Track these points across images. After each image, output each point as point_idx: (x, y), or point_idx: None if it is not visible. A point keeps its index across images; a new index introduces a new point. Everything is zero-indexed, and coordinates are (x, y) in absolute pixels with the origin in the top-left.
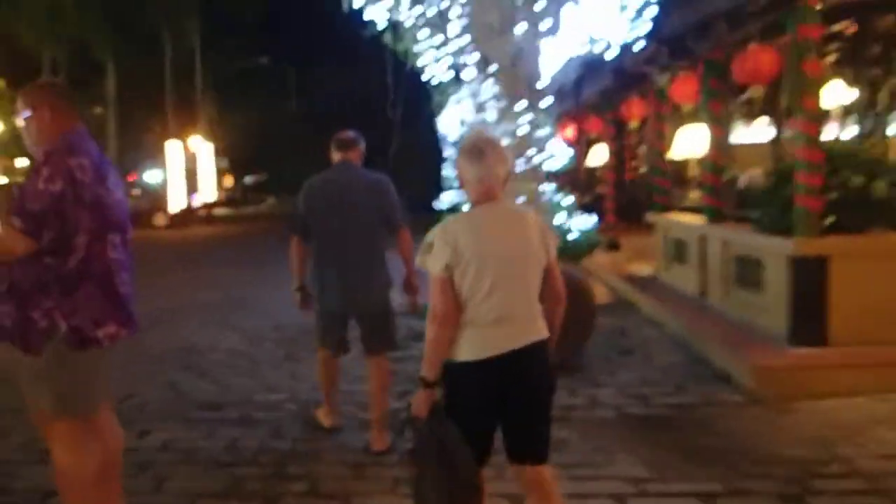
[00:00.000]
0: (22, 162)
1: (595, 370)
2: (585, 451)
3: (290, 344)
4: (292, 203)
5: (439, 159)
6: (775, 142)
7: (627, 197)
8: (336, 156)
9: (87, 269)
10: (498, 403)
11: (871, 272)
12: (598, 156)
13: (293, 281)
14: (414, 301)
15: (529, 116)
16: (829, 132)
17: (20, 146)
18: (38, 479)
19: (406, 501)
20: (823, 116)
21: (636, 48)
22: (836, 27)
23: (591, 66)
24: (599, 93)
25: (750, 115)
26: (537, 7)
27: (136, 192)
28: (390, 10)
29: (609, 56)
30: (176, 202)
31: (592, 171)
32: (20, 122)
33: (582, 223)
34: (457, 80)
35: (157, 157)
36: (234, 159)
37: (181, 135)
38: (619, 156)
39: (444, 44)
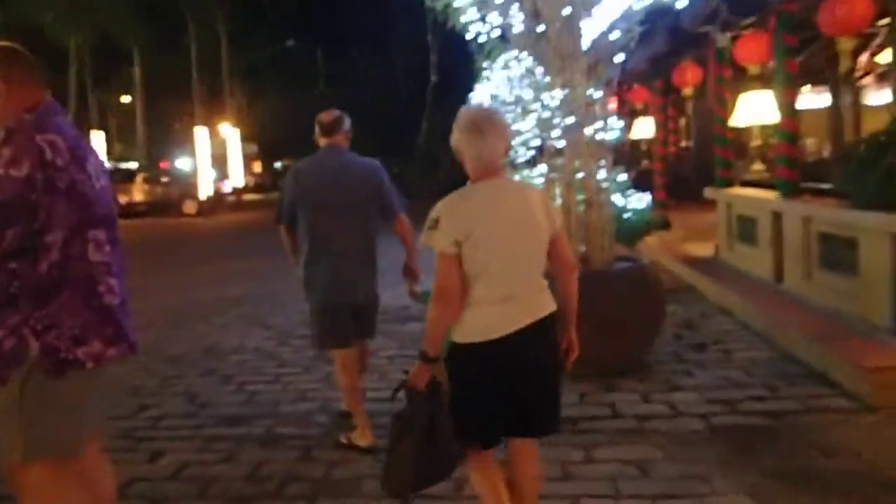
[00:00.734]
0: None
1: (667, 370)
2: (673, 477)
3: None
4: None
5: None
6: (834, 109)
7: (671, 172)
8: (322, 140)
9: (64, 273)
10: (507, 381)
11: None
12: (643, 129)
13: (296, 270)
14: (413, 288)
15: (582, 82)
16: None
17: None
18: None
19: None
20: None
21: (694, 5)
22: None
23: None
24: (647, 59)
25: (803, 80)
26: None
27: (164, 179)
28: None
29: (671, 9)
30: (205, 189)
31: (636, 144)
32: None
33: (635, 202)
34: (502, 40)
35: (187, 145)
36: (263, 145)
37: (210, 121)
38: (667, 128)
39: None
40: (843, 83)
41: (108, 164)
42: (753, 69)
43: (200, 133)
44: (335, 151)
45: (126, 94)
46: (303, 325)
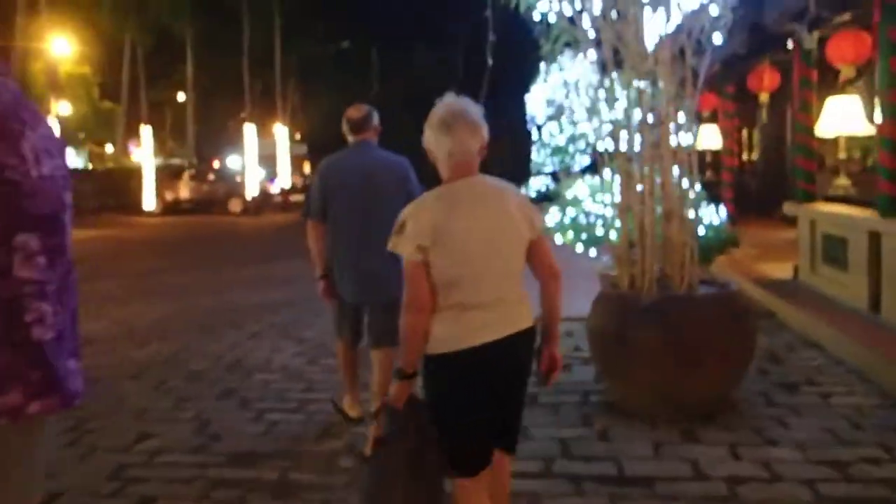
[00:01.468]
0: (110, 148)
1: (757, 415)
2: None
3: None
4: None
5: (527, 142)
6: None
7: (736, 184)
8: (351, 137)
9: None
10: (483, 393)
11: None
12: (708, 137)
13: (316, 269)
14: None
15: (666, 74)
16: None
17: (110, 130)
18: None
19: None
20: None
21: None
22: None
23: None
24: (720, 61)
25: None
26: None
27: (211, 177)
28: None
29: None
30: (252, 188)
31: (702, 154)
32: None
33: (710, 216)
34: (571, 23)
35: (237, 143)
36: (313, 145)
37: (261, 121)
38: (735, 137)
39: None
40: None
41: (157, 160)
42: (847, 71)
43: (249, 132)
44: (364, 147)
45: (181, 91)
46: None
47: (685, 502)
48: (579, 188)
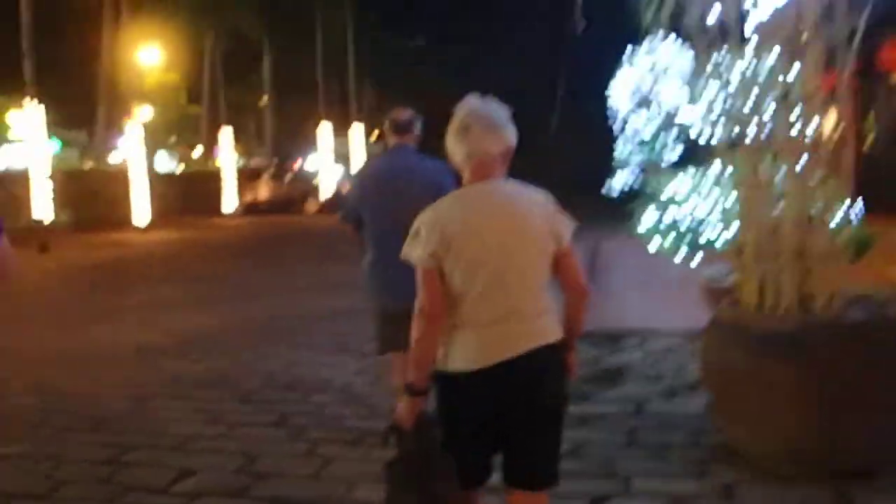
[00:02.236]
0: (198, 151)
1: None
2: None
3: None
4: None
5: (610, 136)
6: None
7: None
8: (392, 139)
9: None
10: (497, 418)
11: None
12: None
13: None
14: None
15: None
16: None
17: (197, 133)
18: None
19: None
20: None
21: None
22: None
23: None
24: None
25: None
26: None
27: (288, 177)
28: None
29: None
30: (327, 188)
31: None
32: None
33: (839, 213)
34: None
35: (315, 144)
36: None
37: (338, 121)
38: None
39: None
40: None
41: (240, 162)
42: None
43: (325, 132)
44: (404, 151)
45: (260, 94)
46: None
47: None
48: (678, 185)
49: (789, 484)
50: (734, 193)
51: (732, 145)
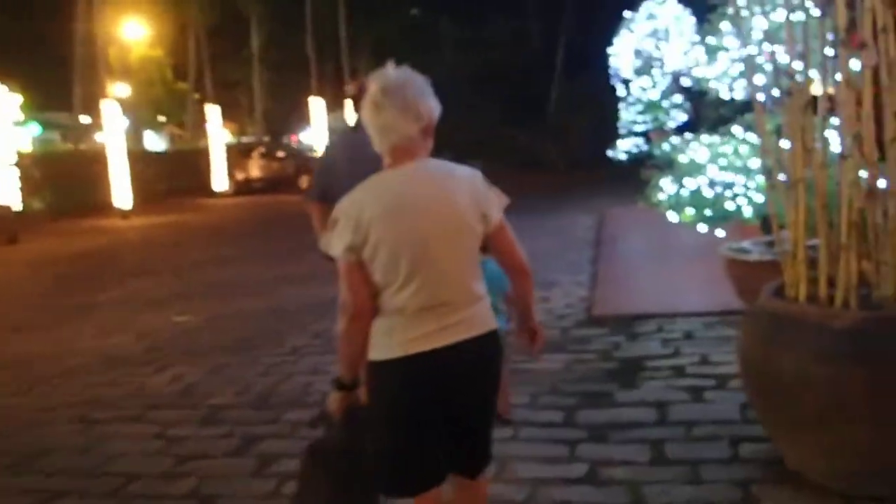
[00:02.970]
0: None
1: None
2: None
3: None
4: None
5: (613, 101)
6: None
7: None
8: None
9: None
10: (431, 411)
11: None
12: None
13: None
14: None
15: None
16: None
17: (185, 111)
18: None
19: None
20: None
21: None
22: None
23: None
24: None
25: None
26: None
27: (280, 154)
28: None
29: None
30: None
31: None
32: None
33: None
34: None
35: (308, 120)
36: None
37: (332, 95)
38: None
39: None
40: None
41: (234, 139)
42: None
43: (317, 108)
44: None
45: (245, 71)
46: None
47: None
48: (695, 151)
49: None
50: (769, 158)
51: (769, 102)
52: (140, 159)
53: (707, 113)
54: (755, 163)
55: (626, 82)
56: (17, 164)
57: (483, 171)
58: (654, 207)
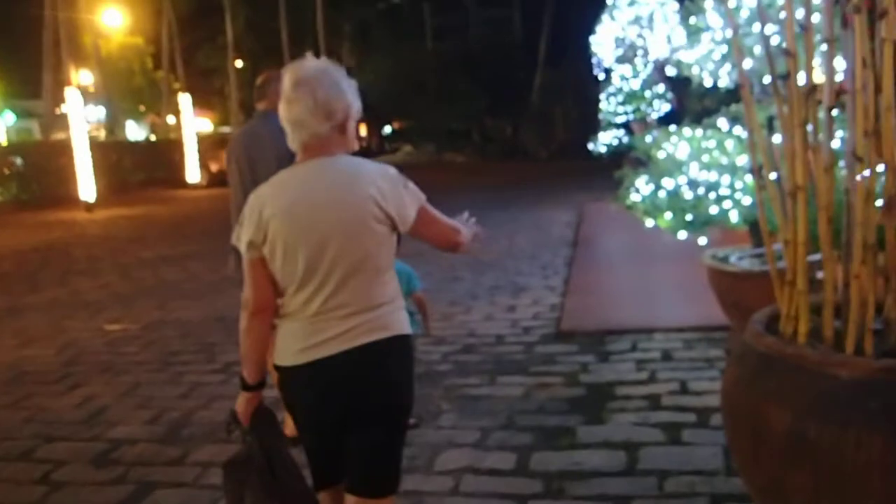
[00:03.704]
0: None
1: None
2: None
3: None
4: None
5: (596, 90)
6: None
7: None
8: (259, 105)
9: None
10: (329, 414)
11: None
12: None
13: None
14: None
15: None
16: None
17: (166, 100)
18: None
19: None
20: None
21: None
22: None
23: None
24: None
25: None
26: None
27: None
28: None
29: None
30: None
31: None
32: None
33: None
34: None
35: None
36: (369, 107)
37: None
38: None
39: None
40: None
41: (209, 129)
42: None
43: None
44: (262, 118)
45: (234, 57)
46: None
47: None
48: (674, 146)
49: None
50: (758, 154)
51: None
52: (115, 149)
53: (690, 104)
54: (743, 160)
55: (607, 71)
56: None
57: (469, 162)
58: (629, 210)
